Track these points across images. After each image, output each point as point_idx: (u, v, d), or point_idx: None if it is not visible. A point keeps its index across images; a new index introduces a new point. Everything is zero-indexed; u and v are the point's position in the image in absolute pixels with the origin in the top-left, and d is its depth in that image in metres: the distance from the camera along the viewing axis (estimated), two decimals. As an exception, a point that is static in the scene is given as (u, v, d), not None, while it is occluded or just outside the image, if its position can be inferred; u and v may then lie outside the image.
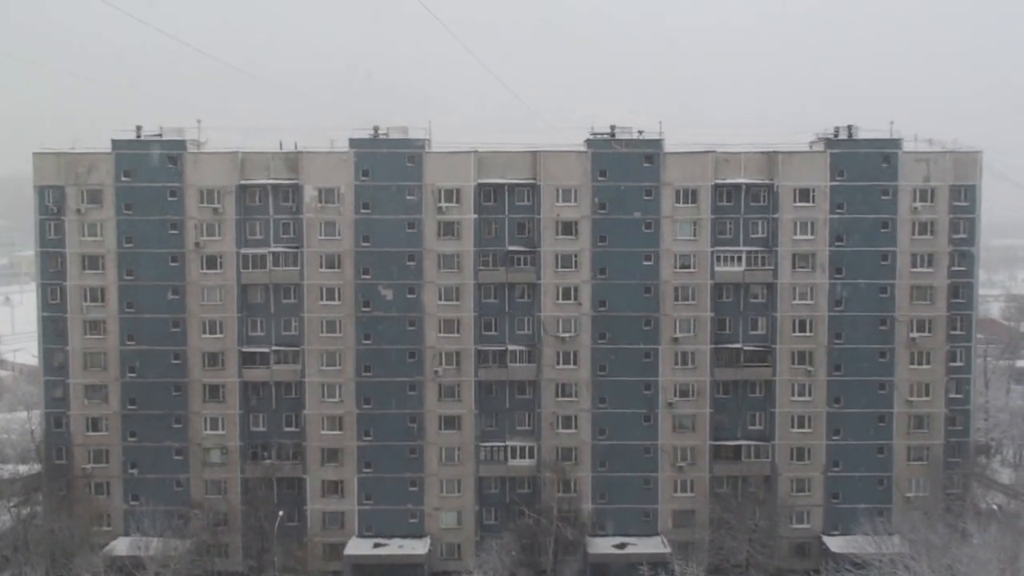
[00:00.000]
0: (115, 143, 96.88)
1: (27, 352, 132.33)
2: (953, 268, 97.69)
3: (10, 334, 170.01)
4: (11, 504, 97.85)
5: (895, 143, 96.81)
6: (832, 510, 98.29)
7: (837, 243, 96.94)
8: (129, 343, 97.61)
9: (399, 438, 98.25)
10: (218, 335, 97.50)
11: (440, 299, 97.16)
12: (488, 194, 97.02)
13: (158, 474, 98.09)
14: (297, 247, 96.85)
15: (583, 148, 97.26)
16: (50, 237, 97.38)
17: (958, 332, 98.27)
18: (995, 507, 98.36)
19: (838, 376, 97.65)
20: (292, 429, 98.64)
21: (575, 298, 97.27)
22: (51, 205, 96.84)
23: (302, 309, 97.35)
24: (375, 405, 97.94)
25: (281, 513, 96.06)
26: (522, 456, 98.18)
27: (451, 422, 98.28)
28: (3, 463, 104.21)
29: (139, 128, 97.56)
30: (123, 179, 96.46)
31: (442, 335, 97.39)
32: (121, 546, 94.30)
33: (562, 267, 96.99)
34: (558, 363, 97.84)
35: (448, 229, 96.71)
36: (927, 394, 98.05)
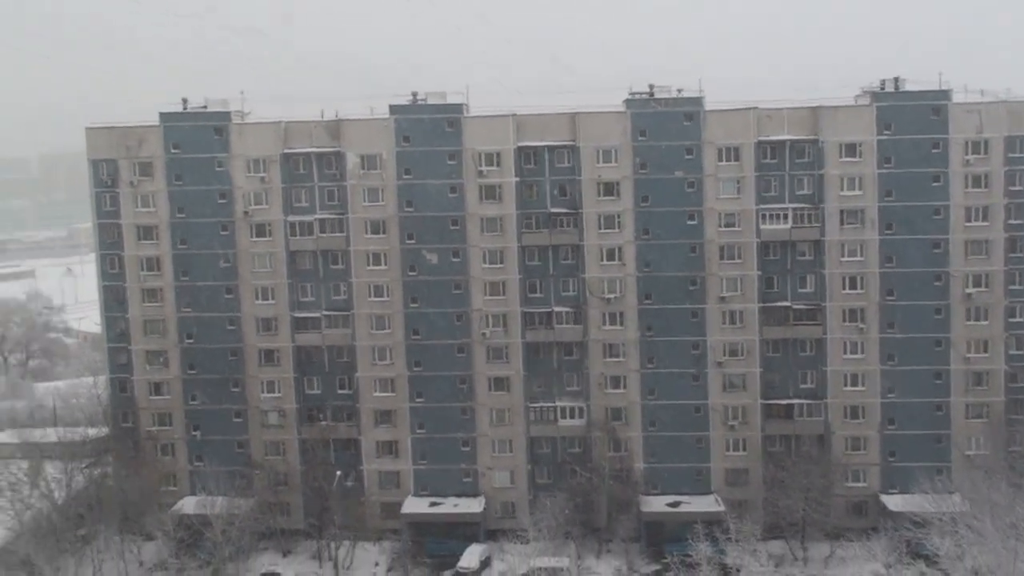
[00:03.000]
0: (163, 116, 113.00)
1: (90, 320, 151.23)
2: (1010, 221, 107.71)
3: (74, 303, 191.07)
4: (83, 465, 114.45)
5: (944, 94, 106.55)
6: (889, 469, 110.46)
7: (886, 198, 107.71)
8: (186, 310, 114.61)
9: (450, 399, 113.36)
10: (270, 301, 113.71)
11: (484, 262, 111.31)
12: (528, 157, 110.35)
13: (219, 436, 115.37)
14: (342, 213, 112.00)
15: (622, 108, 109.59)
16: (106, 209, 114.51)
17: (1017, 287, 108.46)
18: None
19: (891, 334, 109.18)
20: (345, 392, 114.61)
21: (619, 259, 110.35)
22: (105, 178, 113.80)
23: (350, 274, 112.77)
24: (425, 367, 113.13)
25: (339, 473, 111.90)
26: (572, 416, 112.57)
27: (500, 383, 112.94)
28: (74, 426, 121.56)
29: (185, 101, 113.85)
30: (172, 151, 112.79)
31: (488, 298, 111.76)
32: (188, 505, 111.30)
33: (605, 228, 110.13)
34: (604, 324, 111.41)
35: (490, 193, 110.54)
36: (985, 350, 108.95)
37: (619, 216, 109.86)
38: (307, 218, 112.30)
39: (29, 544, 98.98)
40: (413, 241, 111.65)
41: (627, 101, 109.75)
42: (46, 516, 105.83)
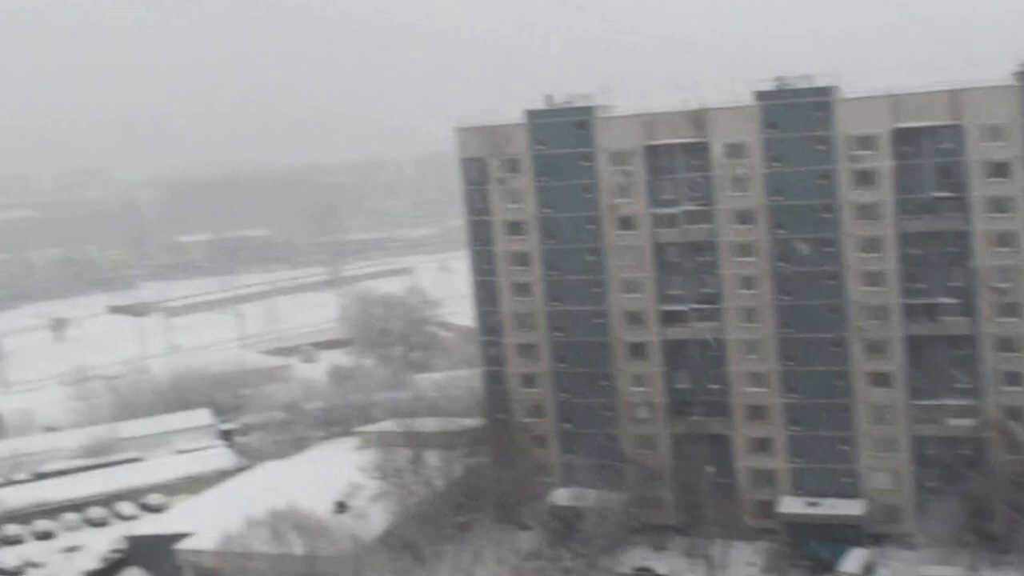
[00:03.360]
0: (529, 113, 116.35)
1: (464, 314, 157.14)
2: None
3: (448, 298, 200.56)
4: (461, 455, 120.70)
5: None
6: None
7: None
8: (554, 304, 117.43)
9: (825, 396, 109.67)
10: (637, 294, 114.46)
11: (859, 251, 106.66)
12: (905, 139, 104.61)
13: (590, 429, 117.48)
14: (708, 204, 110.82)
15: (1011, 82, 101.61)
16: (477, 206, 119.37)
17: None
18: None
19: None
20: (715, 386, 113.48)
21: (1013, 245, 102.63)
22: (475, 176, 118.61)
23: (717, 266, 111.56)
24: (798, 362, 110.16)
25: (711, 469, 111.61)
26: (961, 415, 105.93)
27: (879, 379, 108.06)
28: (451, 416, 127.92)
29: (549, 97, 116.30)
30: (537, 147, 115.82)
31: (864, 288, 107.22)
32: (561, 496, 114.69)
33: (995, 212, 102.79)
34: (998, 316, 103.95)
35: (864, 178, 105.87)
36: None
37: (1011, 199, 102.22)
38: (672, 210, 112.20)
39: (413, 528, 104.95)
40: (783, 231, 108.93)
41: (1017, 74, 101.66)
42: (428, 502, 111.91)
